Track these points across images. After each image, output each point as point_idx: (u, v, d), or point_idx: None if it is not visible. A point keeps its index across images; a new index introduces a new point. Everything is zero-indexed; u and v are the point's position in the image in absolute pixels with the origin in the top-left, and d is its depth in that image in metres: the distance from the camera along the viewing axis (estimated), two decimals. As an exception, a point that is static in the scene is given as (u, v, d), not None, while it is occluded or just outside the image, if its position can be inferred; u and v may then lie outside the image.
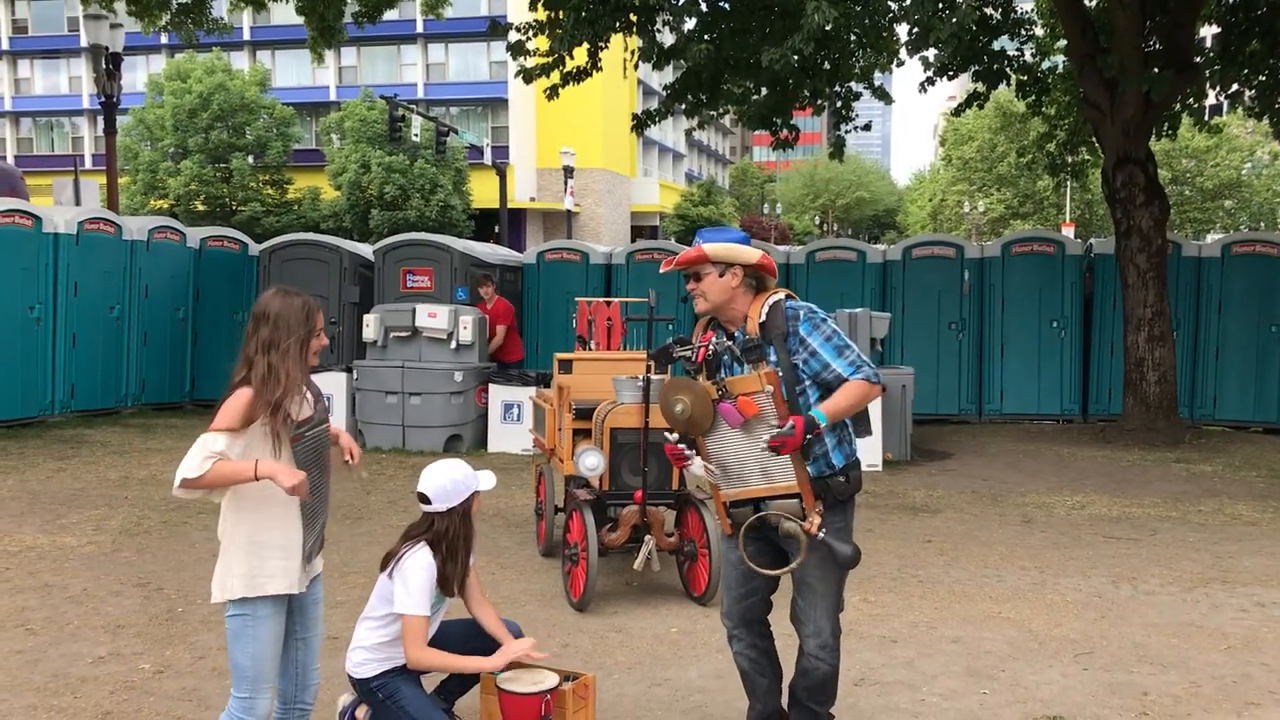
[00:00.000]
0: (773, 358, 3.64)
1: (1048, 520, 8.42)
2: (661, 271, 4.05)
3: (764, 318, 3.68)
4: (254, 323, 3.50)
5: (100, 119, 21.54)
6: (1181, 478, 10.34)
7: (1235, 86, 14.97)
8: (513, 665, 4.02)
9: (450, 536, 3.90)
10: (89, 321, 12.78)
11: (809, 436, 3.54)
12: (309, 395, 3.59)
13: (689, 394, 3.69)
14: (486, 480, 4.01)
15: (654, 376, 6.07)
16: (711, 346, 3.78)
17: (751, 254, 3.72)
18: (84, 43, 19.51)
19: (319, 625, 3.75)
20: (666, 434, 3.84)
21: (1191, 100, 15.77)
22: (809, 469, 3.64)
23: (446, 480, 3.92)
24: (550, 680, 3.91)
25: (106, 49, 17.33)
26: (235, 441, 3.36)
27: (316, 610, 3.73)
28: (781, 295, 3.75)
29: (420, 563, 3.85)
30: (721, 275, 3.71)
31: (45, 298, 12.22)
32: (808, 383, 3.66)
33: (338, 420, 11.43)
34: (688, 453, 3.76)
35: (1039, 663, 5.18)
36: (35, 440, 11.30)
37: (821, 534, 3.56)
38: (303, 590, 3.58)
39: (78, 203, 17.06)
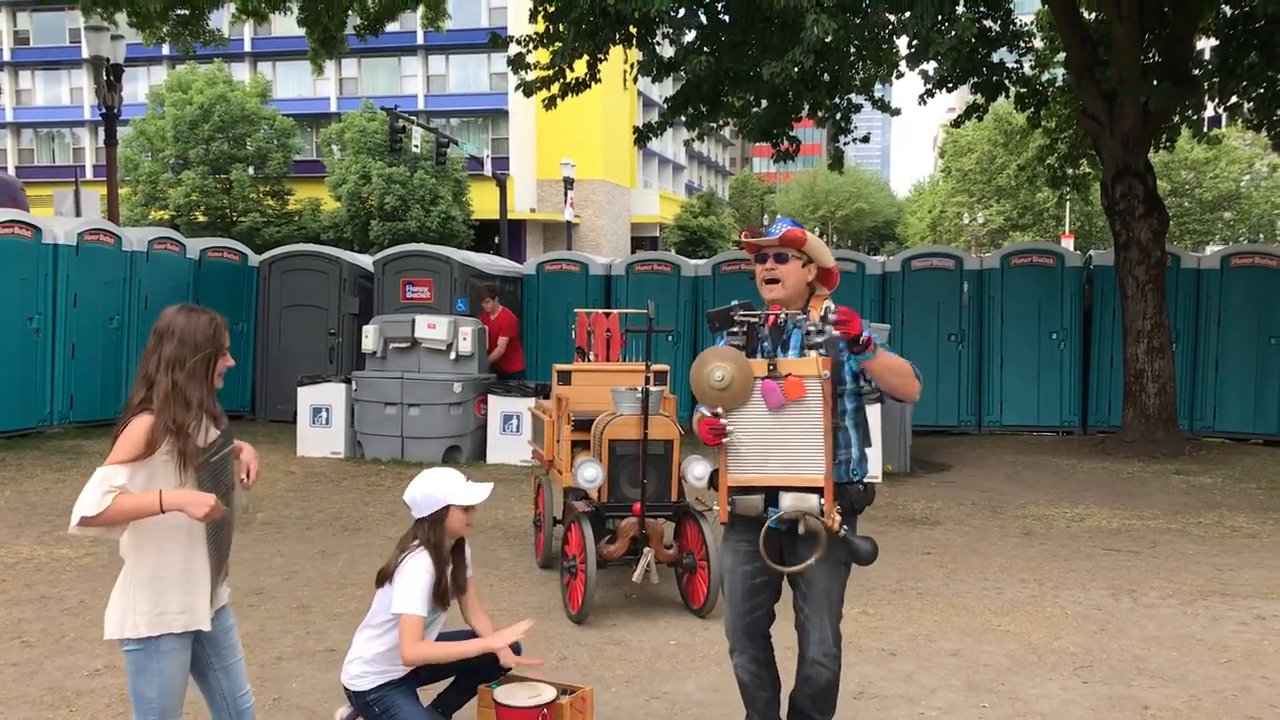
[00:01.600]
0: (824, 351, 3.63)
1: (1047, 532, 8.40)
2: (745, 240, 3.80)
3: (822, 314, 3.65)
4: (155, 339, 3.32)
5: (101, 130, 21.57)
6: (1181, 490, 10.33)
7: (1234, 98, 15.01)
8: (509, 678, 4.00)
9: (430, 545, 3.88)
10: (88, 332, 12.77)
11: (861, 340, 3.46)
12: (214, 418, 3.37)
13: (733, 364, 3.54)
14: (468, 494, 3.90)
15: (652, 388, 6.07)
16: (783, 315, 3.70)
17: (831, 259, 3.79)
18: (85, 54, 19.55)
19: (236, 650, 3.57)
20: (703, 409, 3.66)
21: (1190, 112, 15.81)
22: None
23: (419, 491, 3.91)
24: (548, 694, 3.90)
25: (108, 60, 17.38)
26: (137, 473, 3.17)
27: (230, 638, 3.55)
28: (832, 305, 3.72)
29: (419, 565, 3.85)
30: (804, 266, 3.73)
31: (45, 308, 12.21)
32: (848, 385, 3.68)
33: (337, 430, 11.46)
34: (729, 429, 3.57)
35: (1038, 676, 5.16)
36: (33, 451, 11.29)
37: (844, 531, 3.53)
38: (209, 628, 3.39)
39: (78, 214, 17.08)
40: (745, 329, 3.72)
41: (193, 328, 3.32)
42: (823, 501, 3.54)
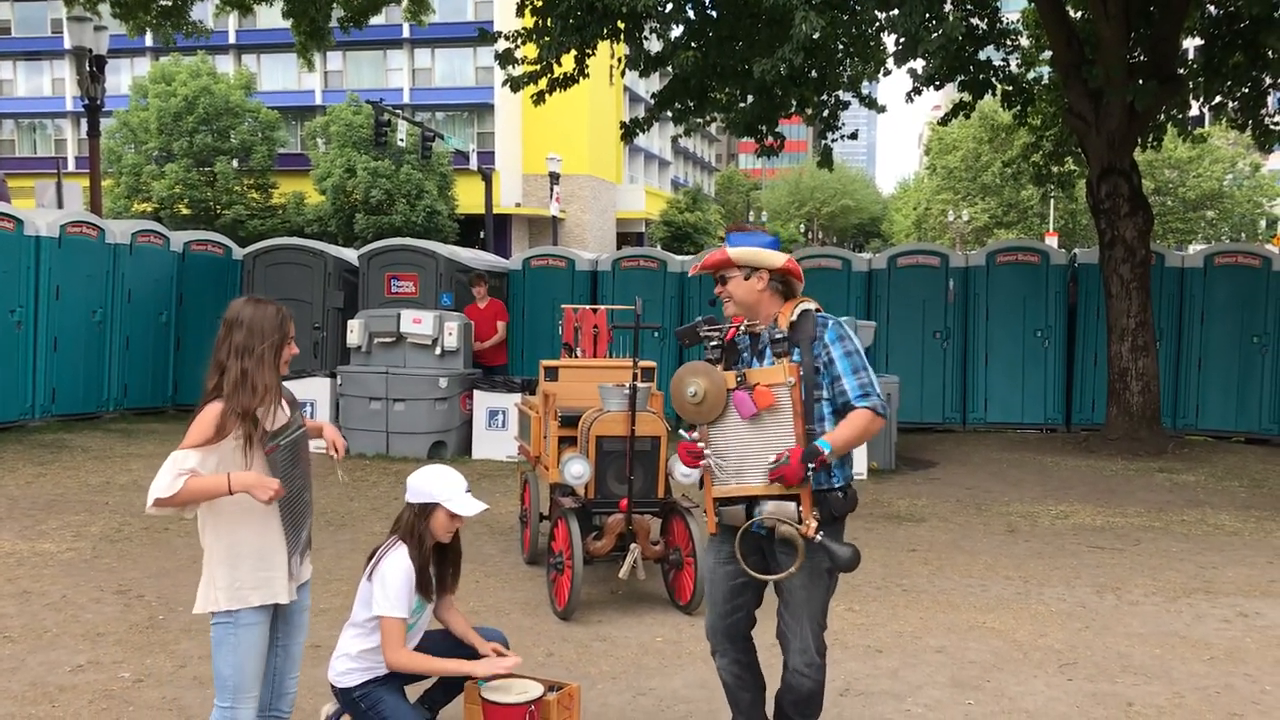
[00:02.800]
0: (796, 358, 3.65)
1: (1032, 530, 8.44)
2: (691, 274, 4.03)
3: (794, 318, 3.71)
4: (225, 328, 3.50)
5: (84, 121, 21.42)
6: (1165, 487, 10.38)
7: (1218, 98, 15.08)
8: (496, 674, 3.99)
9: (411, 530, 3.87)
10: (71, 325, 12.68)
11: (810, 466, 3.51)
12: (284, 403, 3.58)
13: (705, 378, 3.64)
14: (460, 504, 3.88)
15: (640, 385, 6.06)
16: (742, 328, 3.76)
17: (777, 258, 3.75)
18: (68, 45, 19.43)
19: (302, 633, 3.74)
20: (682, 432, 3.78)
21: (1175, 111, 15.88)
22: (810, 478, 3.62)
23: (421, 481, 3.92)
24: (535, 690, 3.89)
25: (90, 51, 17.25)
26: (208, 456, 3.36)
27: (302, 618, 3.73)
28: (814, 306, 3.78)
29: (397, 565, 3.83)
30: (747, 278, 3.73)
31: (26, 301, 12.12)
32: (824, 391, 3.66)
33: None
34: (706, 452, 3.66)
35: (1023, 673, 5.18)
36: (15, 445, 11.21)
37: (819, 537, 3.54)
38: (291, 599, 3.58)
39: (60, 206, 16.97)
40: (716, 343, 3.76)
41: (260, 317, 3.50)
42: (800, 508, 3.57)
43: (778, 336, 3.67)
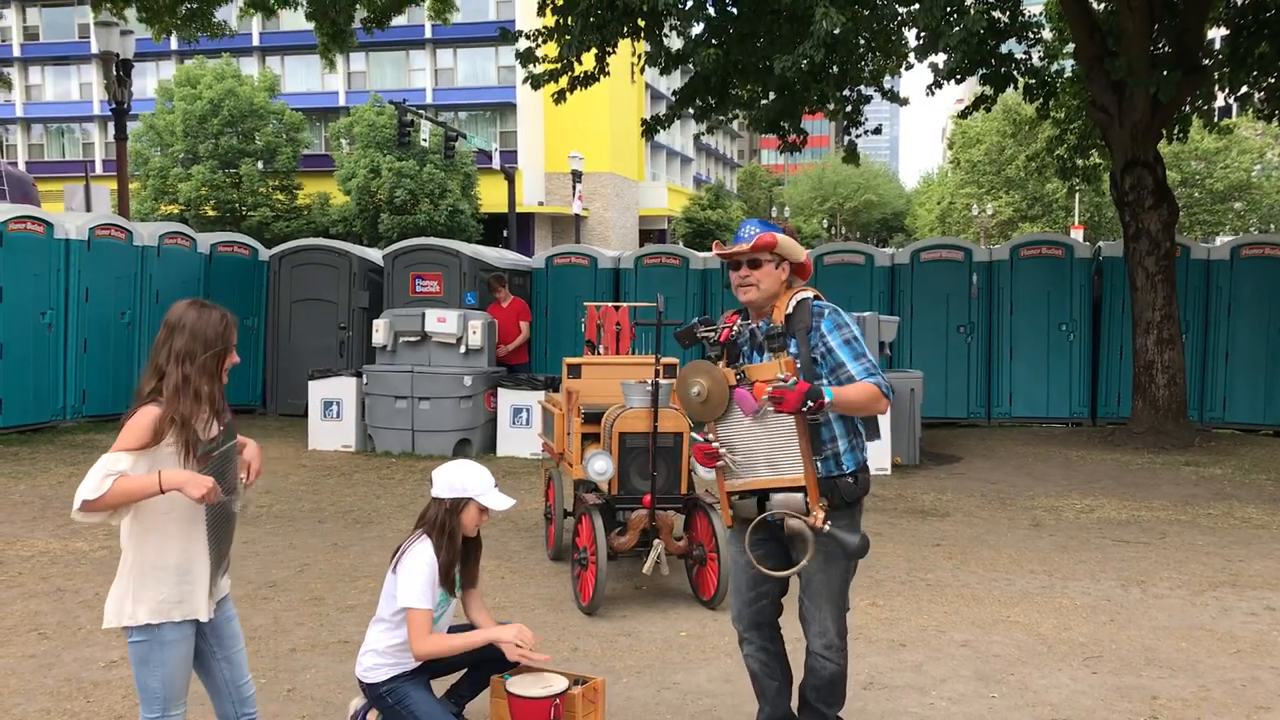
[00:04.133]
0: (793, 349, 3.67)
1: (1057, 524, 8.42)
2: (716, 254, 3.88)
3: (790, 310, 3.73)
4: (166, 331, 3.37)
5: (111, 125, 21.66)
6: (1191, 481, 10.32)
7: (1244, 88, 14.95)
8: (521, 669, 4.04)
9: (438, 526, 3.91)
10: (100, 327, 12.84)
11: (809, 404, 3.44)
12: (218, 413, 3.43)
13: (707, 377, 3.68)
14: (492, 498, 3.96)
15: (662, 381, 6.09)
16: (736, 328, 3.81)
17: (802, 252, 3.83)
18: (95, 49, 19.62)
19: (238, 640, 3.61)
20: (695, 434, 3.85)
21: (1201, 102, 15.75)
22: (819, 467, 3.65)
23: (452, 475, 3.96)
24: (559, 684, 3.93)
25: (117, 55, 17.44)
26: (139, 461, 3.22)
27: (231, 626, 3.58)
28: (810, 294, 3.80)
29: (421, 557, 3.88)
30: (776, 267, 3.77)
31: (57, 303, 12.28)
32: (824, 380, 3.65)
33: (348, 424, 11.51)
34: (721, 451, 3.70)
35: (1048, 667, 5.18)
36: (47, 445, 11.36)
37: (827, 527, 3.56)
38: (209, 617, 3.44)
39: (89, 209, 17.18)
40: (718, 340, 3.80)
41: (204, 323, 3.37)
42: (807, 499, 3.60)
43: (772, 332, 3.70)
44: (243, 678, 3.60)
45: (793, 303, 3.75)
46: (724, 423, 3.74)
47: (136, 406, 3.30)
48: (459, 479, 3.94)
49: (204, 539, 3.39)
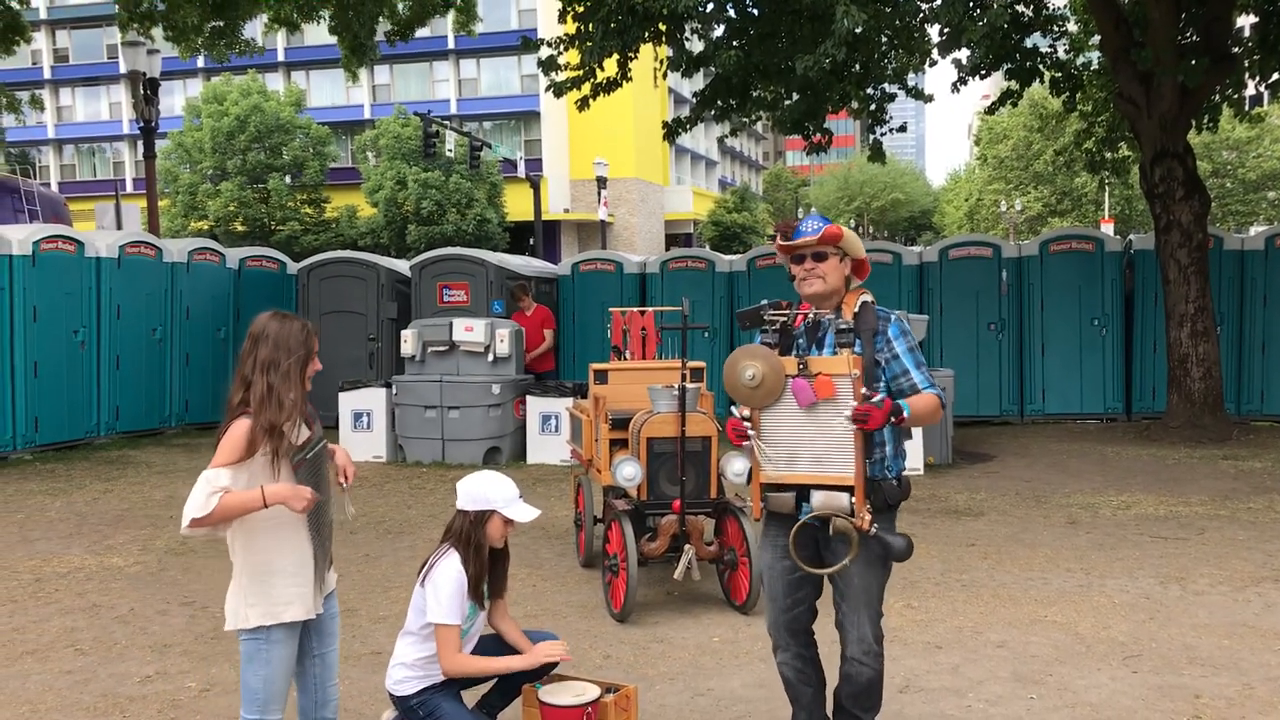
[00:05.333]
0: (857, 349, 3.63)
1: (1093, 521, 8.31)
2: (784, 247, 3.80)
3: (857, 310, 3.71)
4: (251, 342, 3.50)
5: (140, 144, 21.88)
6: (1229, 475, 10.17)
7: (1275, 76, 14.74)
8: (553, 677, 4.01)
9: (464, 538, 3.90)
10: (132, 344, 12.96)
11: (892, 420, 3.49)
12: (307, 419, 3.59)
13: (764, 363, 3.60)
14: (515, 510, 3.91)
15: (689, 385, 6.06)
16: (812, 315, 3.74)
17: (862, 249, 3.81)
18: (123, 69, 19.85)
19: (335, 639, 3.76)
20: (733, 409, 3.75)
21: (1230, 91, 15.56)
22: (866, 468, 3.61)
23: (475, 487, 3.94)
24: (592, 692, 3.91)
25: (145, 75, 17.62)
26: (238, 474, 3.37)
27: (333, 625, 3.74)
28: (871, 297, 3.78)
29: (449, 571, 3.85)
30: (841, 261, 3.74)
31: (89, 321, 12.40)
32: (883, 384, 3.64)
33: (379, 434, 11.55)
34: (750, 431, 3.65)
35: (1087, 666, 5.11)
36: (82, 462, 11.47)
37: (874, 529, 3.53)
38: (319, 612, 3.60)
39: (119, 227, 17.36)
40: (778, 327, 3.73)
41: (286, 333, 3.50)
42: (854, 500, 3.54)
43: (843, 327, 3.64)
44: (331, 679, 3.74)
45: (859, 303, 3.72)
46: (769, 412, 3.66)
47: (229, 420, 3.43)
48: (482, 490, 3.92)
49: (308, 540, 3.55)
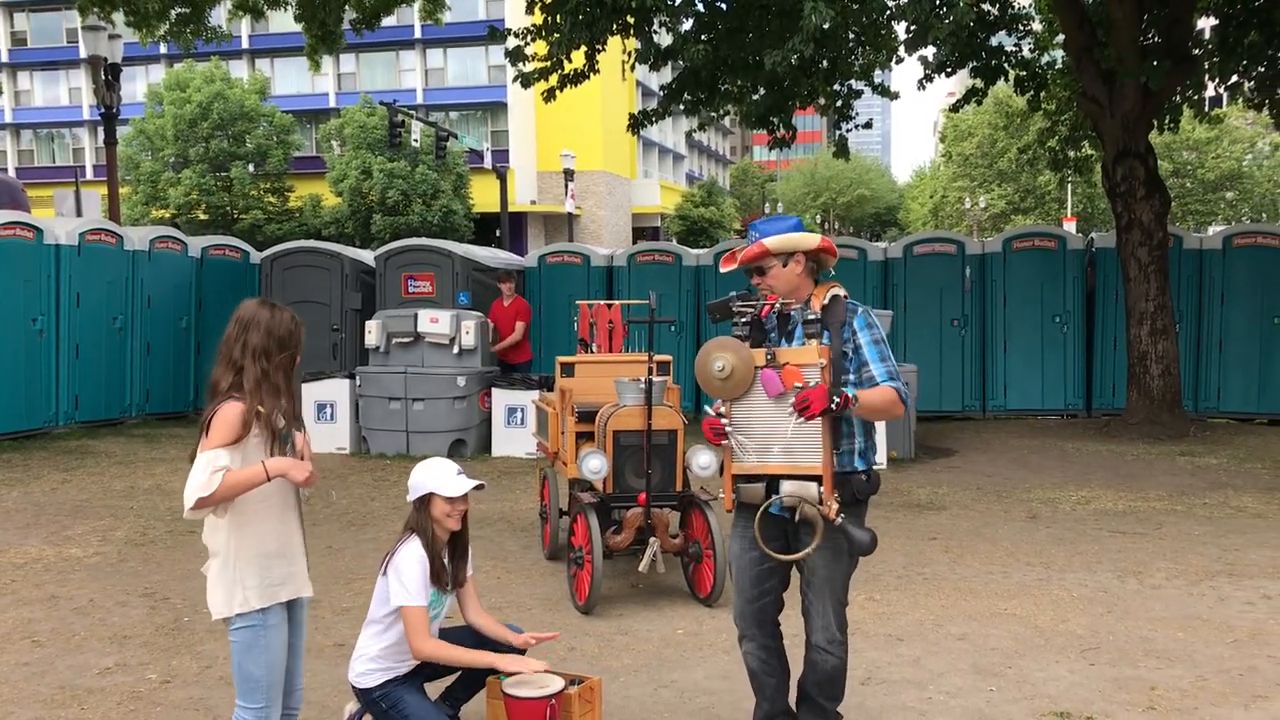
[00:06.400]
0: (826, 340, 3.66)
1: (1053, 516, 8.41)
2: (723, 271, 3.93)
3: (826, 302, 3.73)
4: (239, 328, 3.48)
5: (100, 130, 21.61)
6: (1186, 471, 10.33)
7: (1234, 78, 14.97)
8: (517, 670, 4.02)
9: (419, 528, 3.91)
10: (92, 332, 12.79)
11: (835, 402, 3.47)
12: (298, 418, 3.63)
13: (733, 354, 3.63)
14: (448, 485, 3.90)
15: (655, 379, 6.07)
16: (778, 306, 3.76)
17: (811, 240, 3.78)
18: (83, 54, 19.51)
19: (304, 627, 3.76)
20: (708, 408, 3.78)
21: (1191, 92, 15.77)
22: (835, 460, 3.64)
23: (415, 476, 3.97)
24: (556, 684, 3.91)
25: (105, 60, 17.36)
26: (233, 455, 3.36)
27: (304, 613, 3.74)
28: (842, 291, 3.80)
29: (410, 555, 3.87)
30: (785, 265, 3.75)
31: (48, 309, 12.23)
32: (850, 375, 3.68)
33: (342, 426, 11.48)
34: (728, 428, 3.67)
35: (1046, 659, 5.17)
36: (40, 452, 11.32)
37: (840, 519, 3.55)
38: (310, 594, 3.63)
39: (79, 214, 17.10)
40: (748, 319, 3.75)
41: (278, 323, 3.49)
42: (822, 489, 3.57)
43: (811, 318, 3.68)
44: (299, 669, 3.74)
45: (828, 297, 3.75)
46: (740, 403, 3.69)
47: (217, 403, 3.41)
48: (419, 478, 3.95)
49: (297, 521, 3.59)
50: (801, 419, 3.52)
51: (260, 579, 3.46)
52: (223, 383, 3.44)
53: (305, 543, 3.66)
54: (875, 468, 3.81)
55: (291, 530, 3.57)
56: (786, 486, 3.61)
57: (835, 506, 3.56)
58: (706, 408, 3.78)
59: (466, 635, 4.08)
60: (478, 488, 3.98)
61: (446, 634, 4.06)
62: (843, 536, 3.60)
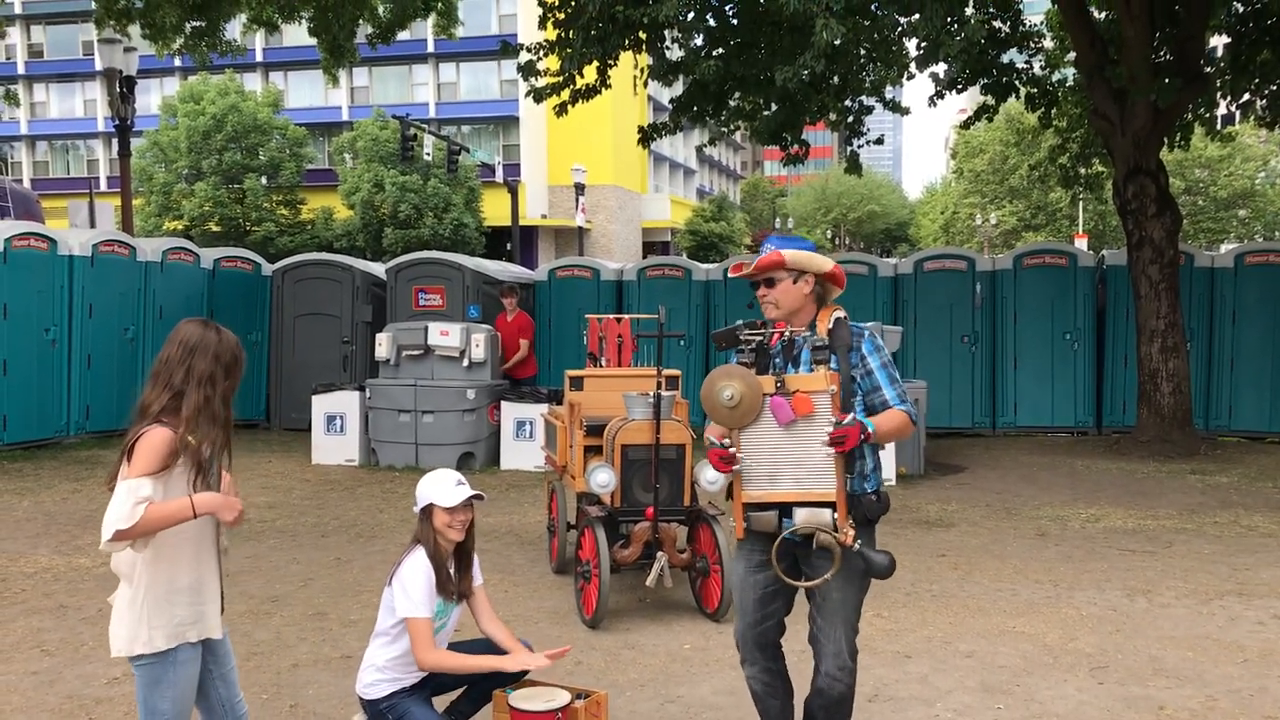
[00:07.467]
0: (833, 365, 3.64)
1: (1062, 533, 8.38)
2: (733, 275, 3.91)
3: (830, 326, 3.71)
4: (183, 350, 3.31)
5: (115, 142, 21.72)
6: (1197, 489, 10.28)
7: (1246, 96, 14.95)
8: (524, 683, 4.01)
9: (423, 539, 3.93)
10: (104, 343, 12.85)
11: (862, 438, 3.51)
12: (228, 448, 3.44)
13: (741, 382, 3.58)
14: (446, 495, 3.92)
15: (664, 393, 6.08)
16: (788, 333, 3.74)
17: (825, 263, 3.76)
18: (99, 66, 19.67)
19: (231, 658, 3.59)
20: (712, 438, 3.72)
21: (1203, 110, 15.76)
22: (847, 483, 3.62)
23: (419, 488, 3.99)
24: (563, 698, 3.91)
25: (120, 72, 17.48)
26: (157, 485, 3.18)
27: (226, 645, 3.57)
28: (844, 313, 3.77)
29: (416, 566, 3.88)
30: (795, 282, 3.72)
31: (61, 319, 12.30)
32: (858, 399, 3.66)
33: (352, 438, 11.51)
34: (739, 456, 3.61)
35: (1054, 677, 5.15)
36: (51, 462, 11.37)
37: (857, 545, 3.54)
38: (224, 634, 3.47)
39: (93, 225, 17.19)
40: (754, 346, 3.74)
41: (224, 348, 3.33)
42: (835, 516, 3.56)
43: (819, 344, 3.66)
44: (236, 695, 3.59)
45: (832, 319, 3.73)
46: (748, 431, 3.63)
47: (143, 426, 3.23)
48: (421, 490, 3.98)
49: (214, 558, 3.40)
50: (834, 450, 3.52)
51: (168, 618, 3.27)
52: (154, 406, 3.25)
53: (222, 585, 3.46)
54: (883, 486, 3.80)
55: (207, 569, 3.38)
56: (800, 515, 3.57)
57: (851, 533, 3.54)
58: (710, 436, 3.72)
59: (483, 649, 4.08)
60: (476, 498, 3.99)
61: (462, 647, 4.07)
62: (858, 561, 3.58)
